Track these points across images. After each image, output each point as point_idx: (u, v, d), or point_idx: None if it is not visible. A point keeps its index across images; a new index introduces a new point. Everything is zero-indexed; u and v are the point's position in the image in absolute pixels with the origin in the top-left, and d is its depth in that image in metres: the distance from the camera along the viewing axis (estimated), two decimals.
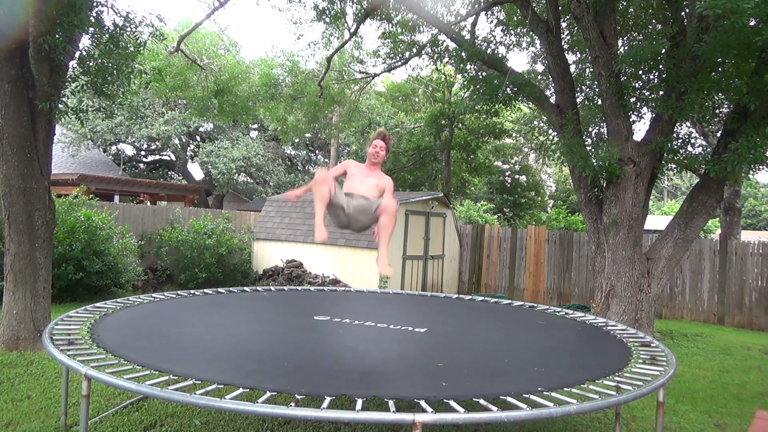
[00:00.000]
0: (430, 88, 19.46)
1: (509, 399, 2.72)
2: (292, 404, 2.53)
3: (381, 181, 4.25)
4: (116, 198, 16.68)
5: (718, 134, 8.31)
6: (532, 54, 12.47)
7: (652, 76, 8.19)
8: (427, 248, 11.88)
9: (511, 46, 11.71)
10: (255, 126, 25.61)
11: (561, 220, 18.47)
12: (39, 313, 5.89)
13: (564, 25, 9.68)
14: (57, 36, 5.18)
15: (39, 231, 5.88)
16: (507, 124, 19.95)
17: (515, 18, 10.63)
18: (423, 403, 2.59)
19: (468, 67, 9.14)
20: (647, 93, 8.38)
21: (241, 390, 2.74)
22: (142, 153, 26.29)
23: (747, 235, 24.31)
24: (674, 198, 40.62)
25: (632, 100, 8.06)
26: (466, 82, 9.23)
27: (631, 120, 7.91)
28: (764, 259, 10.22)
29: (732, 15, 5.44)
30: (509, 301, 6.49)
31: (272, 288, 6.49)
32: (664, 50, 7.30)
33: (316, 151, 28.90)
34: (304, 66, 14.47)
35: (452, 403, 2.65)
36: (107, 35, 5.76)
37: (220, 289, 6.08)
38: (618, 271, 7.66)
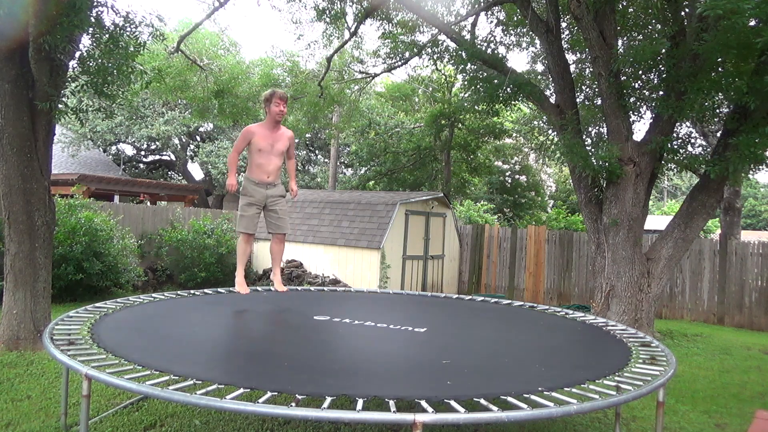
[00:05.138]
0: (430, 88, 19.46)
1: (510, 399, 2.71)
2: (293, 404, 2.53)
3: (284, 141, 4.70)
4: (116, 198, 16.68)
5: (718, 134, 8.31)
6: (532, 54, 12.48)
7: (651, 76, 8.19)
8: (427, 248, 11.88)
9: (511, 46, 11.72)
10: None
11: (561, 220, 18.49)
12: (39, 313, 5.89)
13: (564, 25, 9.68)
14: (57, 36, 5.17)
15: (39, 231, 5.88)
16: (507, 124, 19.93)
17: (515, 18, 10.63)
18: (423, 403, 2.59)
19: (468, 67, 9.14)
20: (647, 93, 8.38)
21: (241, 390, 2.73)
22: (142, 153, 26.28)
23: (747, 235, 24.31)
24: (674, 198, 40.61)
25: (632, 100, 8.06)
26: (466, 82, 9.23)
27: (631, 120, 7.91)
28: (764, 259, 10.22)
29: (732, 15, 5.44)
30: (509, 301, 6.49)
31: (272, 288, 6.48)
32: (663, 50, 7.30)
33: (316, 151, 28.89)
34: (304, 66, 14.49)
35: (453, 403, 2.65)
36: (107, 35, 5.75)
37: (220, 289, 6.08)
38: (618, 271, 7.66)
